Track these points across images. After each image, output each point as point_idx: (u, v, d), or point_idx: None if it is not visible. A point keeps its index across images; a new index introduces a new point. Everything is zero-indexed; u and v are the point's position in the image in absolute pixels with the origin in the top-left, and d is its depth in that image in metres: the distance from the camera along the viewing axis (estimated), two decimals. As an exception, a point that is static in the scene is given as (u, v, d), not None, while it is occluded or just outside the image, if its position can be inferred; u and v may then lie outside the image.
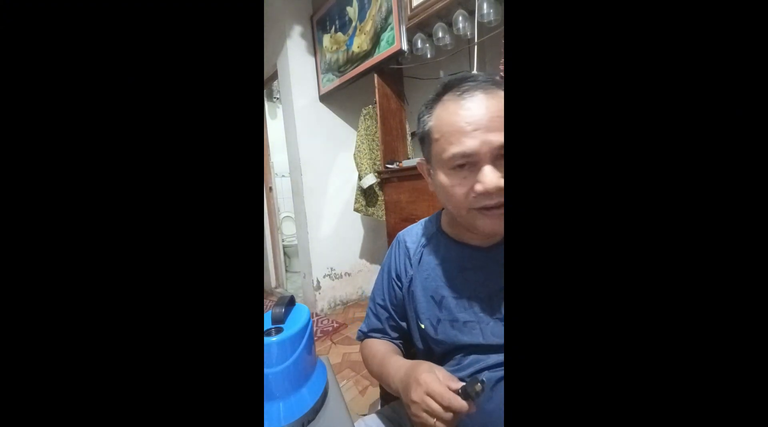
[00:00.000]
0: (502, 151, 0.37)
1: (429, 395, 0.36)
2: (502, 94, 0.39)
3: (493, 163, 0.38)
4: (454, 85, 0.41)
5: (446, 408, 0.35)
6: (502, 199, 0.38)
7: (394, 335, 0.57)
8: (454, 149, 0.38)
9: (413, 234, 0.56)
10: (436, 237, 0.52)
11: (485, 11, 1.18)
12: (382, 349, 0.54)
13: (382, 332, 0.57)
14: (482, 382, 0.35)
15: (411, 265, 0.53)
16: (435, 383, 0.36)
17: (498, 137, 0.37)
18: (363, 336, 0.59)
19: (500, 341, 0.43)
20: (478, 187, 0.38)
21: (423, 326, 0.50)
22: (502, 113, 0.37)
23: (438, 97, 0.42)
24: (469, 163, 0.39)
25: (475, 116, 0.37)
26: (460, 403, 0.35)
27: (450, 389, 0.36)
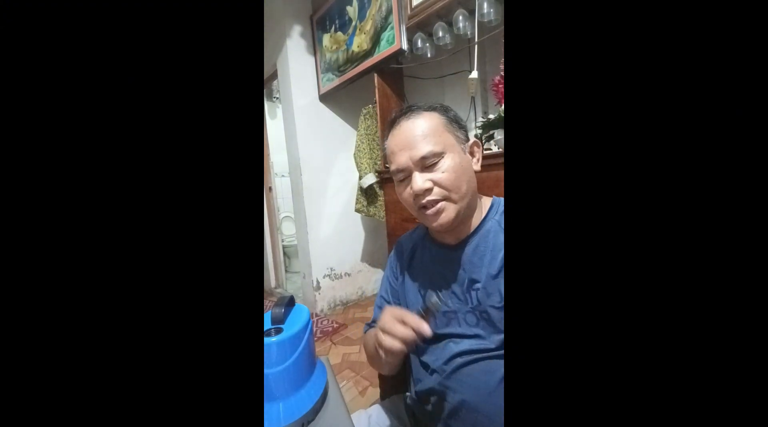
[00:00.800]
0: (426, 161, 0.47)
1: (386, 323, 0.43)
2: (425, 114, 0.50)
3: (421, 170, 0.48)
4: (394, 120, 0.53)
5: (402, 323, 0.41)
6: (432, 198, 0.48)
7: None
8: (393, 166, 0.51)
9: (409, 237, 0.65)
10: (423, 239, 0.61)
11: (485, 11, 1.18)
12: (374, 332, 0.58)
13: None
14: (438, 296, 0.42)
15: (404, 264, 0.62)
16: (388, 313, 0.44)
17: (418, 150, 0.47)
18: (367, 328, 0.65)
19: (474, 329, 0.49)
20: (411, 192, 0.49)
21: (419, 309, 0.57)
22: (421, 132, 0.48)
23: (388, 130, 0.55)
24: (405, 175, 0.50)
25: (400, 138, 0.50)
26: (415, 319, 0.41)
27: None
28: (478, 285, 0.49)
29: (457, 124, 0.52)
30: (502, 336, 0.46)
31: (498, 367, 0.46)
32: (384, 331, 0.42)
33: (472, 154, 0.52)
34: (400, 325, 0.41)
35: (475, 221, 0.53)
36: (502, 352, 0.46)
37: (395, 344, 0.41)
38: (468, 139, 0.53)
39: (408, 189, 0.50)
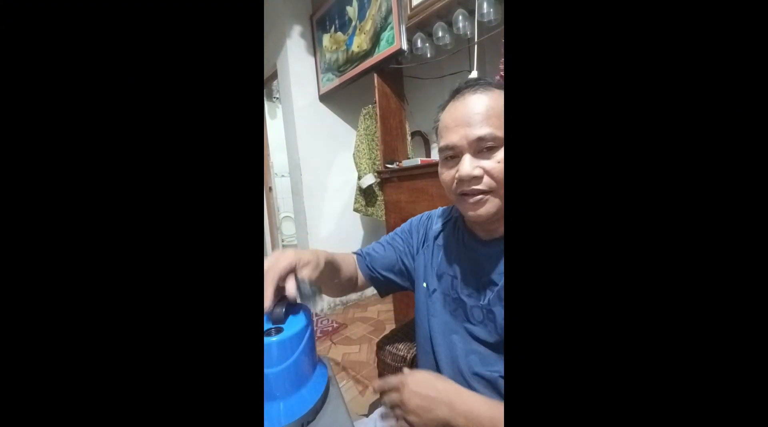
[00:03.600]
0: (483, 144, 0.42)
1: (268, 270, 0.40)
2: (494, 92, 0.44)
3: (474, 154, 0.43)
4: (457, 90, 0.47)
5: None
6: (477, 187, 0.43)
7: (379, 275, 0.62)
8: (442, 142, 0.46)
9: (442, 212, 0.62)
10: (454, 221, 0.58)
11: (485, 11, 1.18)
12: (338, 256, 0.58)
13: (370, 269, 0.62)
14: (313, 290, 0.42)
15: (430, 236, 0.59)
16: (277, 259, 0.41)
17: (475, 131, 0.42)
18: (360, 253, 0.64)
19: (479, 325, 0.48)
20: (456, 175, 0.44)
21: (425, 285, 0.57)
22: (485, 110, 0.42)
23: (447, 101, 0.49)
24: (454, 155, 0.45)
25: (458, 112, 0.44)
26: (273, 283, 0.39)
27: None
28: (495, 288, 0.47)
29: None
30: (500, 338, 0.46)
31: (494, 361, 0.46)
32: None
33: None
34: (271, 281, 0.39)
35: None
36: (499, 348, 0.46)
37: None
38: None
39: (452, 171, 0.45)
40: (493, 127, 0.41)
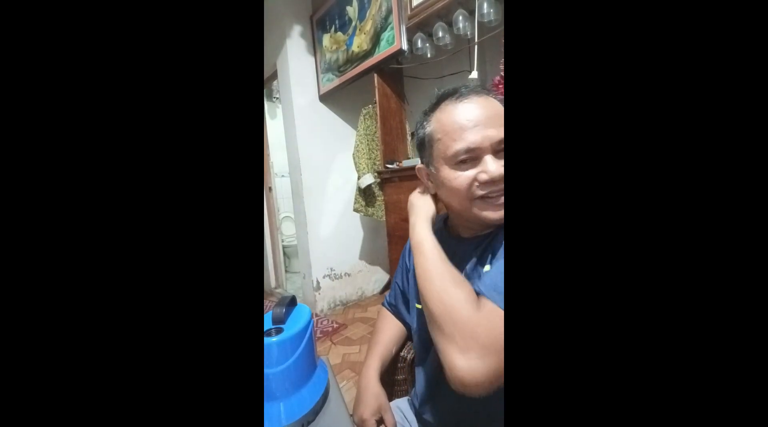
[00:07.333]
0: (501, 146, 0.42)
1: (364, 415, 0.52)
2: (493, 99, 0.45)
3: (494, 155, 0.43)
4: (450, 93, 0.47)
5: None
6: (498, 188, 0.43)
7: (402, 308, 0.66)
8: (458, 145, 0.43)
9: None
10: (440, 231, 0.58)
11: (485, 11, 1.18)
12: (379, 327, 0.67)
13: (394, 306, 0.68)
14: None
15: None
16: (373, 404, 0.54)
17: (497, 132, 0.42)
18: (385, 304, 0.70)
19: None
20: (483, 177, 0.43)
21: (419, 306, 0.56)
22: (496, 113, 0.43)
23: (435, 105, 0.48)
24: (471, 157, 0.43)
25: (474, 114, 0.43)
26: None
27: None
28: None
29: None
30: None
31: None
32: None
33: None
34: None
35: None
36: None
37: None
38: None
39: (469, 173, 0.43)
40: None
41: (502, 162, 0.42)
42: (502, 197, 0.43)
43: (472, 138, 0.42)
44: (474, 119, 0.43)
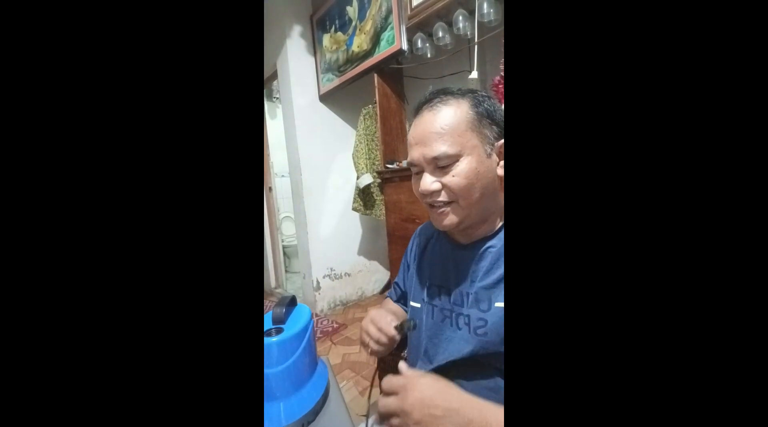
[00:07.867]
0: (438, 162, 0.45)
1: (372, 320, 0.52)
2: (453, 103, 0.46)
3: (432, 171, 0.46)
4: (419, 106, 0.50)
5: (380, 330, 0.50)
6: (438, 199, 0.47)
7: (404, 306, 0.69)
8: (408, 158, 0.49)
9: (429, 226, 0.66)
10: (438, 233, 0.60)
11: (485, 11, 1.18)
12: (384, 304, 0.70)
13: (396, 302, 0.71)
14: (414, 322, 0.52)
15: (418, 252, 0.63)
16: (377, 315, 0.52)
17: (430, 152, 0.45)
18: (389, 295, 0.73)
19: (460, 332, 0.50)
20: (420, 189, 0.48)
21: (415, 305, 0.59)
22: (439, 128, 0.45)
23: (412, 115, 0.52)
24: (418, 170, 0.48)
25: (417, 130, 0.47)
26: (391, 330, 0.49)
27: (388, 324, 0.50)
28: (472, 289, 0.48)
29: (489, 119, 0.46)
30: (474, 346, 0.45)
31: (475, 376, 0.47)
32: (367, 327, 0.51)
33: (500, 156, 0.47)
34: (375, 328, 0.50)
35: (494, 224, 0.50)
36: (476, 360, 0.46)
37: (370, 343, 0.50)
38: (501, 137, 0.47)
39: (418, 184, 0.49)
40: (447, 145, 0.44)
41: (438, 176, 0.46)
42: (445, 207, 0.47)
43: (414, 155, 0.47)
44: (417, 137, 0.47)
